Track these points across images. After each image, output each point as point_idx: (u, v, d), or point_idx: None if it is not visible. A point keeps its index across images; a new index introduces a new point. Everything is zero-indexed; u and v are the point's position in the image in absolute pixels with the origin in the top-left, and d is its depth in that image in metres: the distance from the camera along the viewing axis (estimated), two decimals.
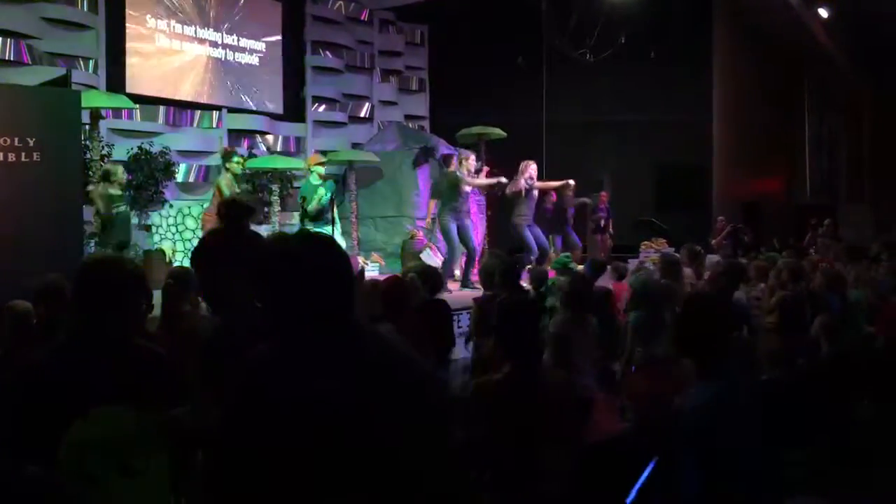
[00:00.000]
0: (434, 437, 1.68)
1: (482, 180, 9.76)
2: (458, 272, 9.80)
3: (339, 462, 1.59)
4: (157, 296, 5.55)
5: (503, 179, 9.78)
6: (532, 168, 10.02)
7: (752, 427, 2.53)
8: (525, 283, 6.33)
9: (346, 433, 1.58)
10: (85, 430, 1.94)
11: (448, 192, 9.36)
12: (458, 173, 9.30)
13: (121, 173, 8.48)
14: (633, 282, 4.73)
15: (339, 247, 1.79)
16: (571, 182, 11.04)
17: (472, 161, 9.61)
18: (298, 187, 13.09)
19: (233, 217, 3.44)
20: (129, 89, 12.24)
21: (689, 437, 2.53)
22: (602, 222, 13.15)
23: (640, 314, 4.31)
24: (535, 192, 10.13)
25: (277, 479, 1.62)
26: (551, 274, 6.67)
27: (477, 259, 9.39)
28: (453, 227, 9.18)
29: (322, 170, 9.42)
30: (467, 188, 9.34)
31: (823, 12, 14.99)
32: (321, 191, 8.97)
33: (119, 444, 1.94)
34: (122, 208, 8.22)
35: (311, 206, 8.80)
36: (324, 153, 13.93)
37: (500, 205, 11.09)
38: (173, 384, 2.28)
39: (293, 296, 1.69)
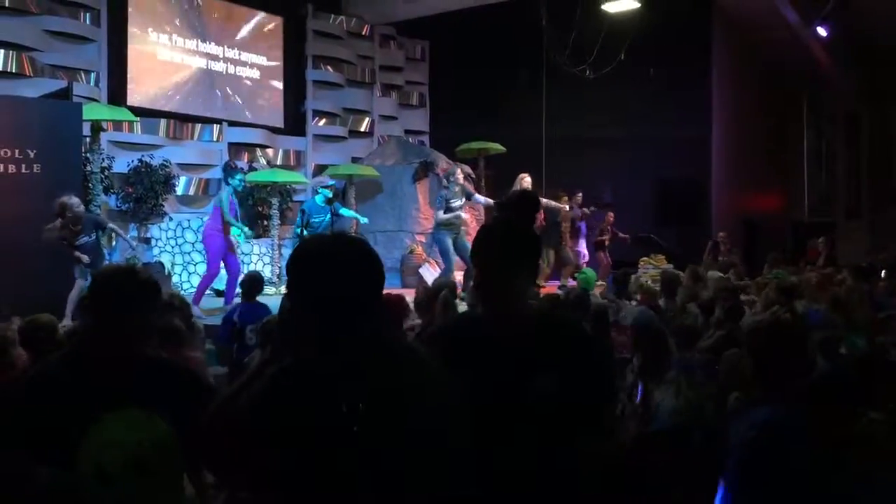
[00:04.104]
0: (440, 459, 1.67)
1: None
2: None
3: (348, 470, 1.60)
4: None
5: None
6: (527, 180, 10.04)
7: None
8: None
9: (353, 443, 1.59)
10: (101, 431, 1.96)
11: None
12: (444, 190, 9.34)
13: (76, 207, 7.30)
14: (634, 323, 4.70)
15: (370, 247, 1.80)
16: (565, 205, 11.00)
17: (458, 175, 9.57)
18: (298, 201, 13.12)
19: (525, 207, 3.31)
20: (130, 102, 12.29)
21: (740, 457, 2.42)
22: (606, 241, 13.09)
23: (643, 354, 4.28)
24: None
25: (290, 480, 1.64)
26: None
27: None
28: (449, 242, 9.19)
29: (329, 193, 9.68)
30: (459, 202, 9.31)
31: (822, 31, 15.02)
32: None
33: (134, 444, 1.96)
34: (84, 239, 7.42)
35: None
36: (324, 167, 13.99)
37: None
38: (184, 395, 2.25)
39: (327, 286, 1.68)
